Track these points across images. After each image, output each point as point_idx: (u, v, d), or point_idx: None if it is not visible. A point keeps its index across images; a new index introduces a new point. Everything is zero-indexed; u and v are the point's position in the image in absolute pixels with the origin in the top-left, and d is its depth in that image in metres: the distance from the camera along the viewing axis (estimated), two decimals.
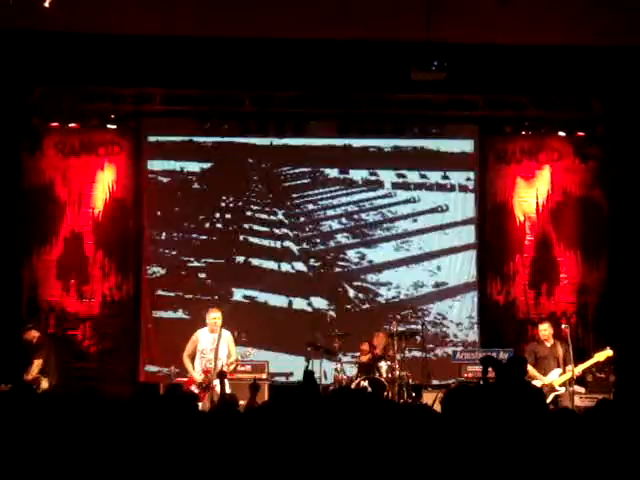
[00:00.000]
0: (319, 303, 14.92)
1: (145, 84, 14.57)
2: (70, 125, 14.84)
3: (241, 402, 8.94)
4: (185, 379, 11.83)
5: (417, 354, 13.80)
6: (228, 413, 5.41)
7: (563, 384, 12.01)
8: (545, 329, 12.57)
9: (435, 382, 13.86)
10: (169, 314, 14.97)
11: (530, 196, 15.39)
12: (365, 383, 12.90)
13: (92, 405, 5.59)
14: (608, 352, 12.19)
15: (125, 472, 4.49)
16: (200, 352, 11.67)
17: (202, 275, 15.07)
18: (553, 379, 12.06)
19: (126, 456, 4.65)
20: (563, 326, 12.51)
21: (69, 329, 14.84)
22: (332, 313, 14.05)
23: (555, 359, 12.22)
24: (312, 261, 15.22)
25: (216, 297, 14.63)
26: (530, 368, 11.50)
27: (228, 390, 11.41)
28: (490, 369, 8.80)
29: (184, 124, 15.26)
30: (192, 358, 11.81)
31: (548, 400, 11.45)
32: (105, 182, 15.13)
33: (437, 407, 12.27)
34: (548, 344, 12.36)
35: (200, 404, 10.99)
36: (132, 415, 5.39)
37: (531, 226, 15.37)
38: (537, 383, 11.41)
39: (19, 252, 14.73)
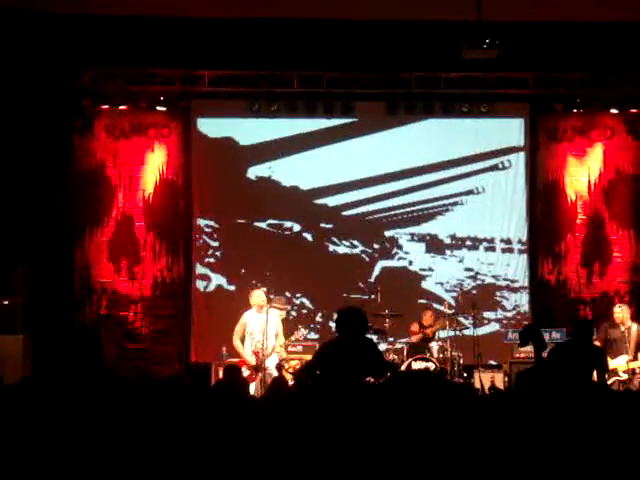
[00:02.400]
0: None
1: (194, 66, 14.61)
2: (120, 107, 14.90)
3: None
4: (236, 360, 11.87)
5: (468, 334, 13.70)
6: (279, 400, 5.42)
7: (627, 371, 11.57)
8: (619, 311, 11.97)
9: (486, 362, 13.80)
10: (220, 295, 15.02)
11: (582, 174, 15.23)
12: (416, 364, 12.88)
13: (147, 387, 5.61)
14: None
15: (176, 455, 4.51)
16: (249, 334, 11.71)
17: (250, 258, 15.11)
18: (618, 364, 11.57)
19: (176, 439, 4.67)
20: (619, 311, 12.25)
21: (121, 310, 14.96)
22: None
23: (626, 344, 11.67)
24: (364, 244, 15.20)
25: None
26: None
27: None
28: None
29: (233, 105, 15.28)
30: (242, 340, 11.85)
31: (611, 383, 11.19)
32: (155, 164, 15.20)
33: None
34: (623, 327, 11.76)
35: (252, 385, 11.05)
36: (185, 397, 5.41)
37: (583, 205, 15.21)
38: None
39: (71, 234, 14.88)
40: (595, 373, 8.87)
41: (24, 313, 12.88)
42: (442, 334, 13.60)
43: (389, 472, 4.07)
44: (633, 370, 11.55)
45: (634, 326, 11.79)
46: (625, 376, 11.51)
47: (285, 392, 7.15)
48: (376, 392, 4.73)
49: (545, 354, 8.15)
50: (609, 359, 11.26)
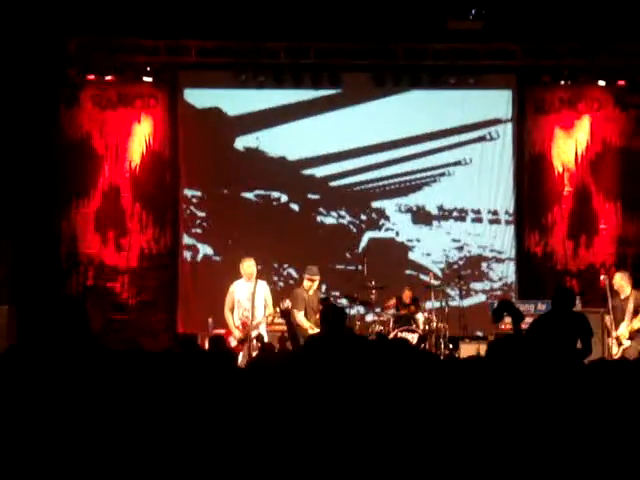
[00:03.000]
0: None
1: (180, 36, 14.52)
2: (106, 78, 14.83)
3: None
4: (223, 331, 11.88)
5: (454, 305, 13.74)
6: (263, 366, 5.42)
7: (630, 337, 11.39)
8: (618, 279, 11.71)
9: (472, 334, 13.84)
10: (207, 266, 15.04)
11: (569, 147, 15.23)
12: (402, 334, 12.93)
13: (135, 359, 5.61)
14: None
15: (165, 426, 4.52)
16: (237, 302, 11.70)
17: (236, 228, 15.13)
18: (621, 332, 11.42)
19: (166, 409, 4.68)
20: (602, 277, 12.30)
21: (108, 281, 14.96)
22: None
23: (623, 311, 11.50)
24: (352, 215, 15.22)
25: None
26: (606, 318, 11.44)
27: (265, 337, 11.54)
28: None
29: (219, 76, 15.24)
30: (232, 310, 11.85)
31: (618, 354, 11.22)
32: (142, 135, 15.16)
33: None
34: (622, 295, 11.55)
35: (240, 356, 11.07)
36: (173, 368, 5.40)
37: (570, 177, 15.22)
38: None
39: (57, 205, 14.85)
40: (580, 340, 8.83)
41: (8, 284, 12.85)
42: (428, 305, 13.62)
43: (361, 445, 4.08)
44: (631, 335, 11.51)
45: (633, 294, 11.71)
46: (628, 343, 11.45)
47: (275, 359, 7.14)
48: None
49: (524, 325, 8.15)
50: (612, 329, 11.44)
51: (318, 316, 11.66)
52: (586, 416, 4.22)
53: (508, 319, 11.35)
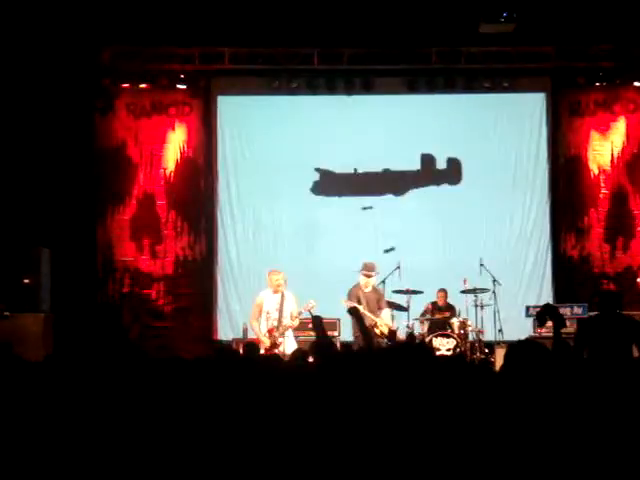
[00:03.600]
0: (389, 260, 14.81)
1: (214, 43, 14.59)
2: (140, 86, 14.94)
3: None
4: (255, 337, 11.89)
5: (489, 310, 13.65)
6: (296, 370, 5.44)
7: None
8: None
9: (507, 338, 13.73)
10: (242, 273, 15.08)
11: (605, 148, 15.13)
12: (438, 339, 12.87)
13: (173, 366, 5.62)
14: None
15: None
16: (265, 313, 11.63)
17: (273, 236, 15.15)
18: None
19: (203, 415, 4.69)
20: (639, 280, 12.20)
21: (144, 288, 15.04)
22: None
23: None
24: (383, 219, 15.18)
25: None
26: None
27: (293, 346, 11.51)
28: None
29: (253, 82, 15.29)
30: (258, 319, 11.79)
31: None
32: (176, 142, 15.23)
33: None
34: None
35: None
36: (210, 375, 5.42)
37: (606, 179, 15.11)
38: None
39: (93, 213, 14.96)
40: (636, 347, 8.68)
41: (45, 292, 12.94)
42: (463, 309, 13.54)
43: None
44: None
45: None
46: None
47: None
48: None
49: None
50: None
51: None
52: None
53: (549, 324, 11.35)
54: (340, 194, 15.35)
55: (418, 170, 15.27)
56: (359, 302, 11.89)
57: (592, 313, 11.92)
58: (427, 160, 15.25)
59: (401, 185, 15.32)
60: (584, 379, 5.01)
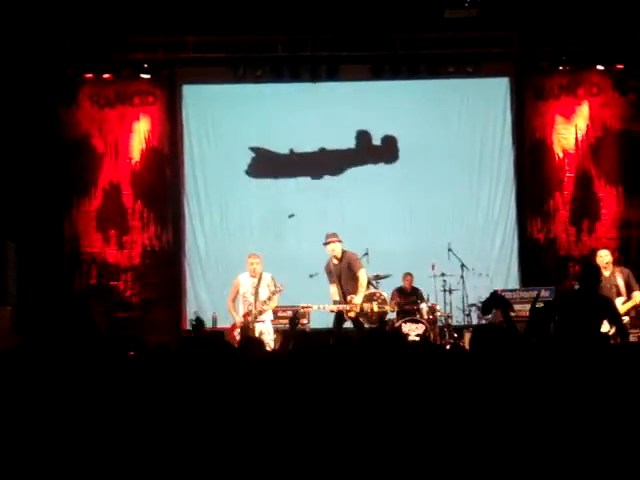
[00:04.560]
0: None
1: (177, 32, 14.50)
2: (104, 76, 14.83)
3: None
4: (228, 326, 11.93)
5: (458, 295, 13.71)
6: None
7: (627, 312, 11.31)
8: (606, 255, 11.70)
9: (476, 322, 13.82)
10: (210, 262, 15.05)
11: (569, 132, 15.22)
12: (406, 326, 12.90)
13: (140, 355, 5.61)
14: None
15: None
16: (242, 296, 11.77)
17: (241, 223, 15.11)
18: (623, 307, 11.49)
19: (170, 404, 4.68)
20: (608, 259, 12.15)
21: (111, 280, 14.97)
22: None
23: (614, 287, 11.44)
24: (353, 207, 15.20)
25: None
26: None
27: (270, 333, 11.55)
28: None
29: (217, 71, 15.22)
30: (235, 301, 11.89)
31: (611, 331, 11.14)
32: (141, 132, 15.15)
33: None
34: (606, 272, 11.42)
35: None
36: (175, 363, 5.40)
37: (570, 162, 15.21)
38: None
39: (59, 205, 14.84)
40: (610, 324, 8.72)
41: (12, 285, 12.86)
42: (431, 294, 13.59)
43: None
44: (628, 311, 11.44)
45: (616, 270, 11.68)
46: (626, 318, 11.36)
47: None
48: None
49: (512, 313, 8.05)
50: None
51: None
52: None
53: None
54: (302, 174, 15.34)
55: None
56: (332, 278, 11.93)
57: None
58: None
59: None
60: (551, 358, 5.06)
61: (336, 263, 12.02)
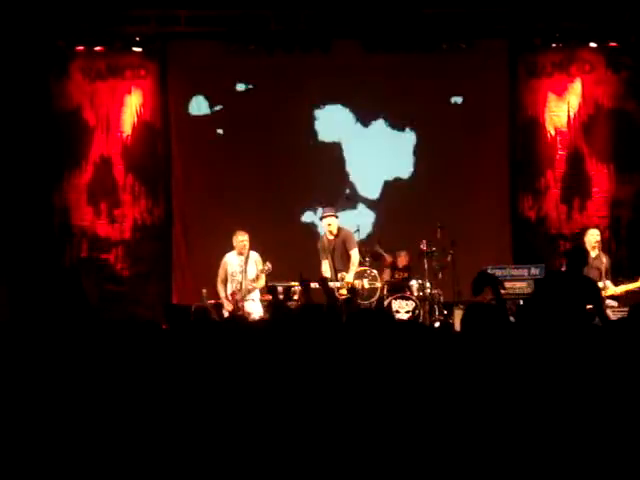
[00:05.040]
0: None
1: (169, 5, 14.42)
2: (95, 48, 14.74)
3: None
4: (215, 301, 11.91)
5: (448, 271, 13.71)
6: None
7: (623, 293, 11.51)
8: (597, 234, 11.82)
9: (466, 299, 13.82)
10: (200, 237, 15.01)
11: (561, 110, 15.17)
12: (396, 302, 12.92)
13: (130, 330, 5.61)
14: None
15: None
16: (230, 275, 11.74)
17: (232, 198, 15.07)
18: (614, 290, 11.50)
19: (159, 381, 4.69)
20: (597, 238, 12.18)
21: (101, 253, 14.95)
22: None
23: (597, 270, 11.51)
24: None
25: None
26: None
27: (259, 313, 11.53)
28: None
29: (209, 46, 15.13)
30: (224, 283, 11.86)
31: None
32: (133, 106, 15.08)
33: None
34: (593, 253, 11.51)
35: None
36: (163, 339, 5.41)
37: (562, 140, 15.18)
38: None
39: (49, 177, 14.79)
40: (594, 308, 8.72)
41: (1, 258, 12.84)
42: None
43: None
44: (609, 297, 11.48)
45: (602, 255, 11.69)
46: (615, 303, 11.41)
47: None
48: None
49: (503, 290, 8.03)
50: None
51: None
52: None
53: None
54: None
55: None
56: (325, 254, 11.92)
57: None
58: None
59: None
60: (537, 340, 5.07)
61: (331, 239, 12.02)
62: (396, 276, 13.70)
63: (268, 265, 11.59)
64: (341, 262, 11.97)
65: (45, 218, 14.65)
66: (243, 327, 5.79)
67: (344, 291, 11.78)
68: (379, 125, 15.33)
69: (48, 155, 14.65)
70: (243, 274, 11.61)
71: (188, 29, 14.68)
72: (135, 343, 5.15)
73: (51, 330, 5.88)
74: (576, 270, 8.50)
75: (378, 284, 12.12)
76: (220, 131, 15.23)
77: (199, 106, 15.22)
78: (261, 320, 7.40)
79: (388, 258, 13.66)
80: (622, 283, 11.74)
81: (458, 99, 15.27)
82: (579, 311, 8.16)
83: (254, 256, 11.78)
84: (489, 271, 13.05)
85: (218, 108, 15.23)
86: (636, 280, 11.64)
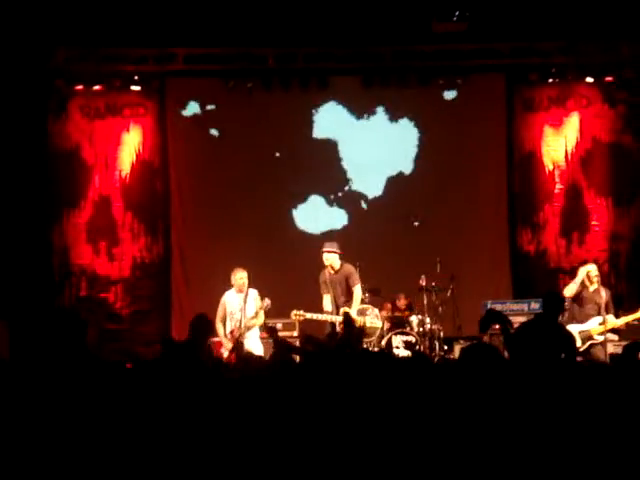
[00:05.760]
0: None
1: (167, 44, 14.51)
2: (94, 87, 14.81)
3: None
4: (216, 339, 11.82)
5: (448, 306, 13.70)
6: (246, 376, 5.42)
7: (602, 334, 11.34)
8: (595, 269, 11.69)
9: (467, 334, 13.80)
10: (199, 275, 15.00)
11: (559, 144, 15.25)
12: (396, 338, 12.89)
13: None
14: None
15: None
16: (229, 314, 11.59)
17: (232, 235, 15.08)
18: (592, 327, 11.49)
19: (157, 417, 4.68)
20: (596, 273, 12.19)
21: (101, 292, 14.94)
22: None
23: (596, 305, 11.41)
24: (341, 210, 15.27)
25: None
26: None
27: (260, 350, 11.45)
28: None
29: (208, 83, 15.21)
30: (224, 321, 11.75)
31: (583, 347, 11.15)
32: (131, 144, 15.13)
33: None
34: (591, 288, 11.47)
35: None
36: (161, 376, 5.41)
37: (560, 174, 15.25)
38: (575, 327, 11.09)
39: (49, 216, 14.81)
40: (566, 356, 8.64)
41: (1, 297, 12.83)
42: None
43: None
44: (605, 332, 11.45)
45: (602, 289, 11.67)
46: (601, 338, 11.38)
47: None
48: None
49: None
50: (578, 324, 11.25)
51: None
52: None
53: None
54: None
55: None
56: (327, 288, 11.91)
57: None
58: None
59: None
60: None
61: (332, 274, 12.01)
62: (396, 314, 13.67)
63: (267, 301, 11.51)
64: (343, 297, 11.97)
65: (44, 257, 14.64)
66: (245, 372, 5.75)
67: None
68: (378, 159, 15.33)
69: (47, 194, 14.67)
70: (243, 312, 11.51)
71: (186, 67, 14.77)
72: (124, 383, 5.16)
73: (49, 370, 5.87)
74: (551, 317, 8.42)
75: (379, 323, 12.11)
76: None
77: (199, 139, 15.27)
78: (263, 362, 7.34)
79: (387, 305, 13.72)
80: (622, 315, 11.73)
81: (457, 133, 15.26)
82: (554, 360, 8.08)
83: (253, 293, 11.69)
84: (489, 306, 13.14)
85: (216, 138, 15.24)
86: (636, 311, 11.64)
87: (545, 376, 5.37)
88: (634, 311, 11.69)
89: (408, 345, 12.75)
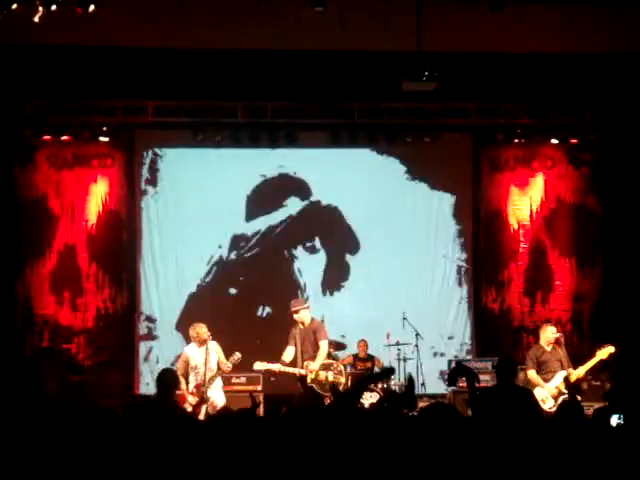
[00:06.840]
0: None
1: (137, 96, 14.55)
2: (62, 138, 14.78)
3: None
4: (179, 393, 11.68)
5: (412, 363, 13.71)
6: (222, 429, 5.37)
7: (569, 385, 11.43)
8: (554, 330, 11.66)
9: (430, 392, 13.81)
10: (163, 327, 14.95)
11: (524, 204, 15.42)
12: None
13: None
14: (610, 349, 11.68)
15: None
16: (192, 368, 11.42)
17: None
18: (558, 383, 11.63)
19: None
20: (558, 334, 12.29)
21: (64, 342, 14.79)
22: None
23: (558, 361, 11.46)
24: (308, 276, 15.27)
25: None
26: (532, 375, 11.26)
27: (222, 402, 11.36)
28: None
29: (176, 135, 15.24)
30: (186, 376, 11.57)
31: (555, 406, 11.13)
32: (98, 194, 15.10)
33: None
34: (548, 348, 11.54)
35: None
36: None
37: (525, 234, 15.39)
38: (541, 391, 11.12)
39: (13, 265, 14.69)
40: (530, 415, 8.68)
41: None
42: (386, 363, 13.61)
43: None
44: (574, 383, 11.47)
45: (557, 347, 11.71)
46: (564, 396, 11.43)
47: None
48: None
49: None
50: (544, 384, 11.29)
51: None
52: None
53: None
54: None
55: None
56: (293, 341, 11.87)
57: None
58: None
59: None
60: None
61: (302, 328, 11.99)
62: (359, 367, 13.66)
63: (237, 355, 11.44)
64: (309, 350, 11.94)
65: (7, 306, 14.51)
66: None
67: (308, 379, 11.72)
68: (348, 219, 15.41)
69: (12, 243, 14.57)
70: (206, 365, 11.39)
71: (155, 119, 14.80)
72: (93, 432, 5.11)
73: (8, 420, 5.82)
74: (506, 383, 8.48)
75: (342, 379, 12.09)
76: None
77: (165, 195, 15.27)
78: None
79: (349, 358, 13.76)
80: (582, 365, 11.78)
81: (422, 191, 15.38)
82: (519, 421, 8.08)
83: (213, 345, 11.58)
84: (454, 364, 13.15)
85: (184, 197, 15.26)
86: (594, 355, 11.67)
87: (508, 433, 5.38)
88: (593, 356, 11.71)
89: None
